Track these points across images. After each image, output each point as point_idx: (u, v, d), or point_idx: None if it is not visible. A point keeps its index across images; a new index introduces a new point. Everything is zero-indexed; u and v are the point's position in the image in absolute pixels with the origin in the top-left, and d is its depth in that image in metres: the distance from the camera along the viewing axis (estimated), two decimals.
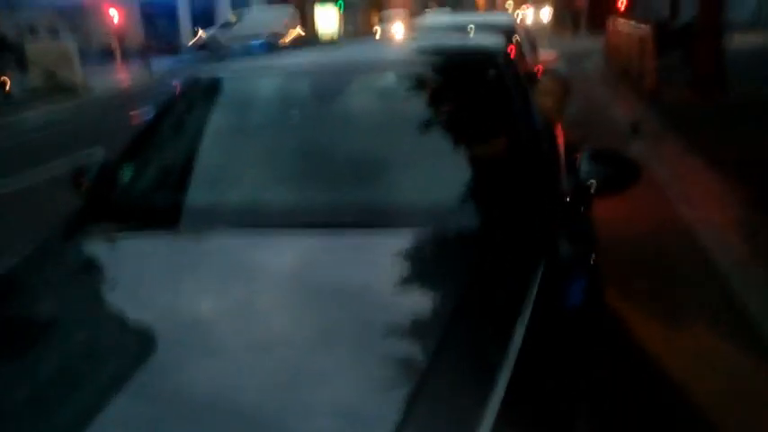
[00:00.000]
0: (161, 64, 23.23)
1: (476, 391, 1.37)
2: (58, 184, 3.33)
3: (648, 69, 11.00)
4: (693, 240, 4.70)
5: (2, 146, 10.96)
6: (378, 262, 1.89)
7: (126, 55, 26.11)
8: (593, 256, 2.38)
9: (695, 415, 2.79)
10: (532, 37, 8.15)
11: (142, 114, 10.41)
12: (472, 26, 6.54)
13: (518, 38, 6.65)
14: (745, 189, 5.25)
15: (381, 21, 25.95)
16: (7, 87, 15.95)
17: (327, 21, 32.48)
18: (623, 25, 14.14)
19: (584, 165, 2.35)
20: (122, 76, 22.50)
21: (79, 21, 30.00)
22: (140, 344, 1.60)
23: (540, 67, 6.87)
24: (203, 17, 34.64)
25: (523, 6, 27.32)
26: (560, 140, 2.94)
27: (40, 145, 10.52)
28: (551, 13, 33.78)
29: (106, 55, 27.10)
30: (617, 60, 14.61)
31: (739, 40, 12.71)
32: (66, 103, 15.93)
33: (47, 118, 13.82)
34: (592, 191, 2.33)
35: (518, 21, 8.06)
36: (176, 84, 2.96)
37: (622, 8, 20.76)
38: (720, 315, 3.60)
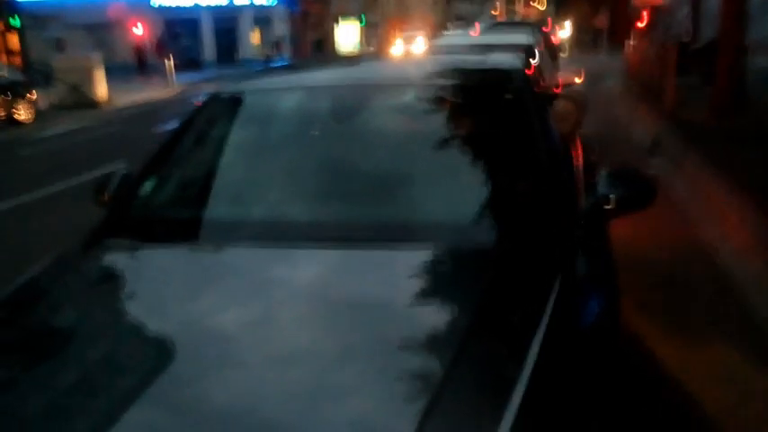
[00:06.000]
0: (183, 79, 23.52)
1: (490, 407, 1.38)
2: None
3: (668, 89, 10.96)
4: (712, 261, 4.66)
5: (24, 160, 11.14)
6: (396, 277, 1.91)
7: (149, 70, 26.52)
8: (610, 273, 2.38)
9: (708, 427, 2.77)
10: (554, 56, 8.13)
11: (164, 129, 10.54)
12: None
13: (537, 57, 6.66)
14: (762, 210, 5.20)
15: (402, 39, 26.07)
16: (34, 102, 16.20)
17: (348, 38, 32.70)
18: (643, 44, 14.12)
19: (601, 183, 2.36)
20: (146, 90, 22.79)
21: (105, 37, 30.52)
22: (158, 356, 1.62)
23: (560, 86, 6.87)
24: (226, 35, 35.10)
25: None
26: (578, 159, 2.95)
27: (63, 160, 10.67)
28: (571, 31, 33.81)
29: (130, 70, 27.55)
30: (637, 79, 14.58)
31: (763, 60, 12.59)
32: (90, 118, 16.17)
33: (70, 132, 14.04)
34: (609, 209, 2.34)
35: (536, 40, 8.06)
36: (198, 100, 3.01)
37: (643, 27, 20.71)
38: (740, 337, 3.56)
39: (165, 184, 2.65)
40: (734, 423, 2.81)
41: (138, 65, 28.59)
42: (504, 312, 1.73)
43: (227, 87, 3.10)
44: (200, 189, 2.58)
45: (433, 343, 1.61)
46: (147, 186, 2.59)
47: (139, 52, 29.77)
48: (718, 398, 2.97)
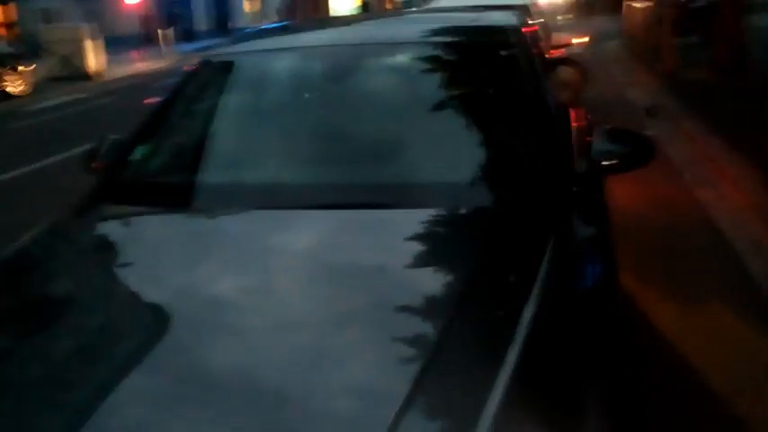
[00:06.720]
0: (178, 49, 23.27)
1: (485, 369, 1.36)
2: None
3: (667, 50, 10.84)
4: (710, 223, 4.64)
5: (17, 133, 11.06)
6: (392, 241, 1.89)
7: (141, 41, 26.22)
8: (607, 235, 2.36)
9: (709, 394, 2.77)
10: (548, 19, 8.07)
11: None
12: None
13: (532, 17, 6.58)
14: (763, 172, 5.17)
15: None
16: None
17: (345, 2, 32.25)
18: (641, 5, 13.92)
19: (597, 143, 2.33)
20: (140, 62, 22.54)
21: (95, 7, 30.09)
22: (155, 323, 1.61)
23: (556, 51, 6.80)
24: (219, 4, 34.60)
25: None
26: (574, 119, 2.91)
27: (55, 132, 10.60)
28: None
29: (122, 41, 27.23)
30: (635, 41, 14.40)
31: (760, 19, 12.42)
32: (83, 90, 16.01)
33: (63, 104, 13.92)
34: (605, 169, 2.31)
35: (533, 1, 7.97)
36: (190, 64, 2.97)
37: None
38: (736, 297, 3.56)
39: (158, 150, 2.62)
40: (734, 386, 2.81)
41: (146, 35, 28.11)
42: (500, 275, 1.72)
43: (220, 51, 3.05)
44: (194, 154, 2.54)
45: (430, 306, 1.60)
46: (140, 152, 2.56)
47: (145, 23, 29.37)
48: (718, 361, 2.97)
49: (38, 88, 16.24)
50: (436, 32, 2.89)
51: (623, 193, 2.48)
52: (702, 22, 11.87)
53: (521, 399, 1.32)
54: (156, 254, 1.98)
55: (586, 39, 8.03)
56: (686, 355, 3.03)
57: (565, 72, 3.34)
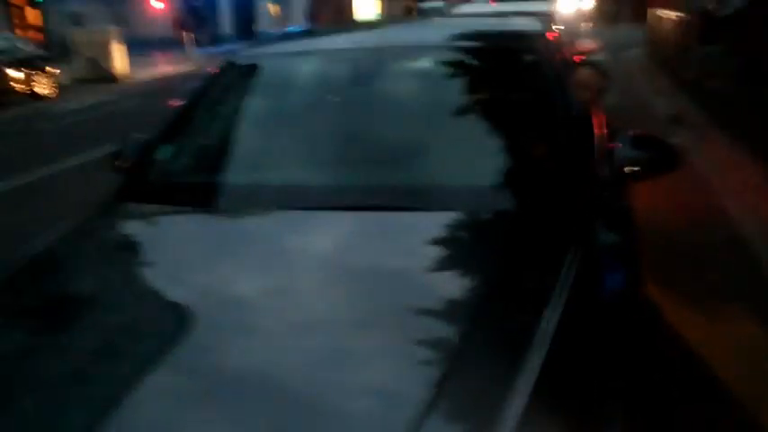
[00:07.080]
0: (203, 53, 23.46)
1: (506, 374, 1.36)
2: None
3: (692, 59, 10.73)
4: (737, 232, 4.58)
5: (45, 134, 11.23)
6: (414, 244, 1.89)
7: (169, 44, 26.47)
8: (631, 242, 2.34)
9: (736, 412, 2.72)
10: (571, 25, 8.07)
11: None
12: None
13: (556, 24, 6.57)
14: None
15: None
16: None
17: (368, 8, 32.37)
18: (666, 14, 13.80)
19: (622, 150, 2.31)
20: (166, 64, 22.76)
21: (123, 10, 30.48)
22: (177, 322, 1.62)
23: (579, 56, 6.78)
24: (244, 8, 34.86)
25: None
26: (599, 125, 2.90)
27: (82, 133, 10.74)
28: (594, 1, 33.22)
29: (149, 44, 27.54)
30: (659, 50, 14.30)
31: None
32: (109, 91, 16.20)
33: (90, 106, 14.10)
34: (630, 176, 2.29)
35: (557, 9, 7.98)
36: (215, 66, 3.00)
37: None
38: (762, 307, 3.51)
39: (183, 150, 2.64)
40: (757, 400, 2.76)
41: (173, 38, 28.20)
42: (522, 281, 1.71)
43: (244, 53, 3.08)
44: (218, 154, 2.57)
45: (451, 310, 1.60)
46: (165, 152, 2.58)
47: (173, 26, 29.53)
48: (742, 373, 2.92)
49: (66, 90, 16.46)
50: (461, 37, 2.89)
51: (648, 196, 2.45)
52: (730, 32, 11.73)
53: (541, 404, 1.31)
54: (179, 253, 2.00)
55: (598, 45, 8.08)
56: (712, 363, 2.99)
57: (588, 77, 3.32)
